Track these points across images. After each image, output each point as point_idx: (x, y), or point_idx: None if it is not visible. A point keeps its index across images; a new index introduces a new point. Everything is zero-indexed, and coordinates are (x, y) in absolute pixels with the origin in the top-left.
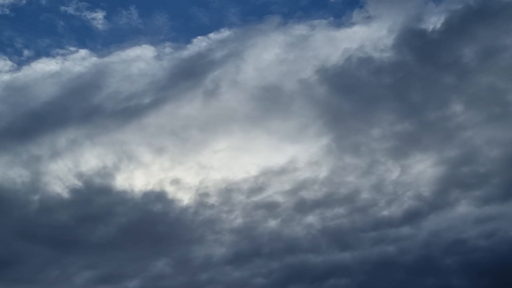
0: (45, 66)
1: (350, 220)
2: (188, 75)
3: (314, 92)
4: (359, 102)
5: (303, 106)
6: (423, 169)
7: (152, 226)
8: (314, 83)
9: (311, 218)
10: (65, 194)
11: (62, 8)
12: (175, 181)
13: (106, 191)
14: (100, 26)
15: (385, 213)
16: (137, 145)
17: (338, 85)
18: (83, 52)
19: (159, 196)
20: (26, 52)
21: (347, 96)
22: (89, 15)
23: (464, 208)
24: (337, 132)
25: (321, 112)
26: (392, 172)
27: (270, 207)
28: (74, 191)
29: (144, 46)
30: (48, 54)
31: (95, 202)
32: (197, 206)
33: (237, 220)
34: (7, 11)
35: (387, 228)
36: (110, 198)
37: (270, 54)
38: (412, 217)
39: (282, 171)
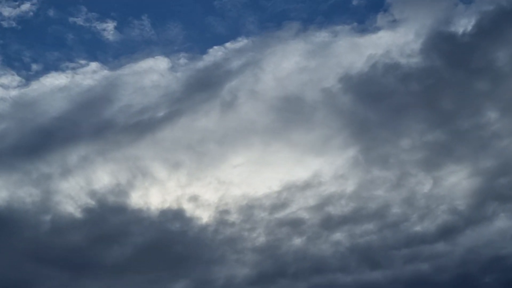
0: (54, 80)
1: (380, 236)
2: (204, 86)
3: (338, 101)
4: (386, 111)
5: (327, 117)
6: (457, 181)
7: (170, 246)
8: (338, 92)
9: (338, 235)
10: (78, 213)
11: (71, 19)
12: (193, 198)
13: (121, 210)
14: (110, 38)
15: (418, 228)
16: (152, 161)
17: (364, 94)
18: (93, 65)
19: (177, 214)
20: (34, 66)
21: (374, 105)
22: (99, 26)
23: (502, 222)
24: (364, 144)
25: (346, 123)
26: (424, 184)
27: (295, 224)
28: (86, 210)
29: (157, 57)
30: (57, 68)
31: (109, 221)
32: (217, 224)
33: (259, 238)
34: (14, 24)
35: (420, 244)
36: (125, 217)
37: (290, 62)
38: (447, 232)
39: (306, 185)
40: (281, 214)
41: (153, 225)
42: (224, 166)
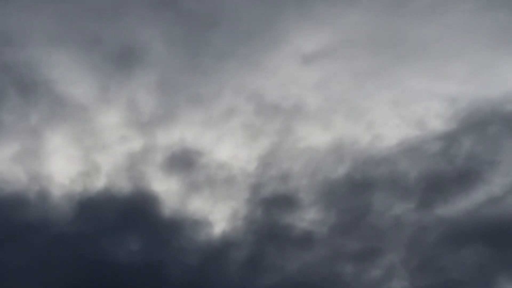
0: None
1: None
2: None
3: None
4: None
5: None
6: None
7: None
8: None
9: None
10: None
11: None
12: (179, 160)
13: None
14: None
15: None
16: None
17: None
18: None
19: (134, 210)
20: None
21: None
22: None
23: None
24: None
25: None
26: None
27: (502, 237)
28: None
29: None
30: None
31: None
32: (259, 241)
33: (393, 282)
34: None
35: None
36: None
37: None
38: None
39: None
40: (456, 207)
41: (61, 242)
42: (273, 62)
